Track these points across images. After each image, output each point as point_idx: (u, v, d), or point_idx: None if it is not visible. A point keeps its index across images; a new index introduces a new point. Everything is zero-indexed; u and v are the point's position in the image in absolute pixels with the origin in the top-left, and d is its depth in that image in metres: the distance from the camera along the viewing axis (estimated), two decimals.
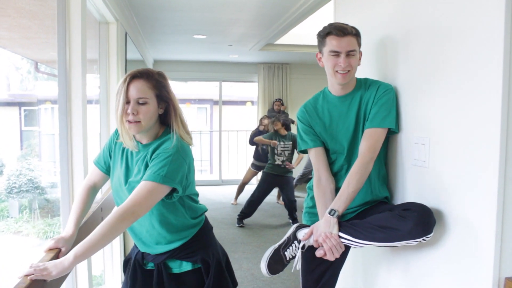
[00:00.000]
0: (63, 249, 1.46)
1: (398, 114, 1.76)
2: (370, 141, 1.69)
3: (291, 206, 5.41)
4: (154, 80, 1.50)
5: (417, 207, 1.51)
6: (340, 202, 1.64)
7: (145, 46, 6.16)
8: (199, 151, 8.61)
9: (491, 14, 1.27)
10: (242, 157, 8.43)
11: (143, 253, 1.68)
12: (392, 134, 1.79)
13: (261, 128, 6.43)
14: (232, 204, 6.64)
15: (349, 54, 1.69)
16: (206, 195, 7.32)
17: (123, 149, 1.60)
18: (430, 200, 1.56)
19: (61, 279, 1.43)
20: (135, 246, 1.74)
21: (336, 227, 1.62)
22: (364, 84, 1.80)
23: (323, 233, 1.62)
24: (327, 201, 1.75)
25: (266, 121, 6.41)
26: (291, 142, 5.38)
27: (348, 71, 1.70)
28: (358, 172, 1.65)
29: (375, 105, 1.72)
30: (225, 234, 4.98)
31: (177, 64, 8.10)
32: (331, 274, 1.86)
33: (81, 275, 2.28)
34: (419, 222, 1.46)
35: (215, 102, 11.33)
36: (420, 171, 1.62)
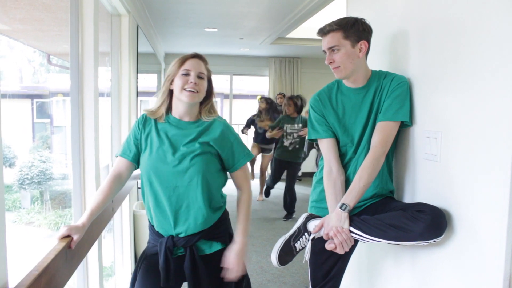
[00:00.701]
0: (75, 238, 1.49)
1: (411, 107, 1.74)
2: (382, 135, 1.68)
3: (290, 195, 5.41)
4: (207, 66, 1.76)
5: (431, 209, 1.50)
6: (351, 197, 1.64)
7: (157, 39, 6.17)
8: None
9: None
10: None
11: (173, 239, 1.68)
12: (404, 127, 1.77)
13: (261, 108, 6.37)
14: (258, 200, 6.35)
15: (332, 51, 1.70)
16: None
17: (157, 130, 1.71)
18: (440, 194, 1.55)
19: (84, 250, 1.65)
20: (157, 236, 1.72)
21: (347, 222, 1.62)
22: (379, 76, 1.78)
23: (334, 227, 1.62)
24: (337, 193, 1.74)
25: (263, 105, 6.33)
26: (300, 125, 5.31)
27: (338, 66, 1.70)
28: (370, 166, 1.64)
29: (389, 97, 1.71)
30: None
31: None
32: (339, 267, 1.86)
33: (92, 266, 2.30)
34: (431, 225, 1.46)
35: (226, 96, 11.30)
36: (431, 165, 1.61)
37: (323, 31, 1.73)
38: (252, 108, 8.09)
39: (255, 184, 6.53)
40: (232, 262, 1.68)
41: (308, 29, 6.02)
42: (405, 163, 1.81)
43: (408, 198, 1.80)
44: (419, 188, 1.71)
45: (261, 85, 9.27)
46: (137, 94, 3.94)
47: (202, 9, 4.45)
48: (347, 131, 1.79)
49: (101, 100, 2.41)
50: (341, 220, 1.62)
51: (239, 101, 10.64)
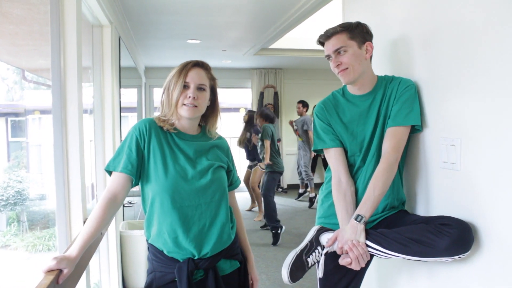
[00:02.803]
0: (65, 271, 1.31)
1: (422, 112, 1.66)
2: (393, 141, 1.60)
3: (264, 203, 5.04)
4: (210, 73, 1.61)
5: (457, 223, 1.40)
6: (367, 207, 1.53)
7: (137, 52, 6.02)
8: None
9: None
10: (236, 163, 8.30)
11: (194, 262, 1.50)
12: (414, 133, 1.68)
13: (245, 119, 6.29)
14: (256, 220, 5.95)
15: (338, 53, 1.63)
16: None
17: (167, 142, 1.53)
18: (461, 205, 1.46)
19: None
20: (170, 262, 1.51)
21: (363, 235, 1.52)
22: (385, 81, 1.70)
23: (349, 241, 1.51)
24: (348, 205, 1.64)
25: (246, 117, 6.29)
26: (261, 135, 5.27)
27: (346, 68, 1.62)
28: (384, 174, 1.55)
29: (397, 102, 1.63)
30: None
31: (169, 71, 7.66)
32: (354, 287, 1.74)
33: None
34: (458, 240, 1.36)
35: None
36: (449, 174, 1.51)
37: (326, 35, 1.65)
38: (235, 121, 8.00)
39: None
40: (257, 277, 1.72)
41: (292, 39, 5.98)
42: (416, 172, 1.72)
43: (421, 210, 1.70)
44: (435, 199, 1.61)
45: (244, 97, 9.18)
46: (120, 109, 3.78)
47: (185, 20, 4.34)
48: (355, 139, 1.70)
49: (84, 117, 2.27)
50: (356, 233, 1.52)
51: (222, 114, 10.52)
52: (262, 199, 5.12)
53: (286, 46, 6.21)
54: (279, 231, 4.85)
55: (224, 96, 11.25)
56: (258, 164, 5.80)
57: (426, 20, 1.64)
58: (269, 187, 5.06)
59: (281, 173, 5.23)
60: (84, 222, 2.15)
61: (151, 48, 5.92)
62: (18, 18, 3.13)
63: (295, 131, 7.19)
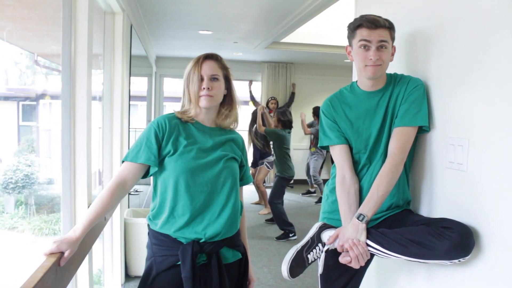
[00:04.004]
0: (66, 254, 1.33)
1: (429, 111, 1.64)
2: (400, 141, 1.59)
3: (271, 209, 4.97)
4: (222, 63, 1.69)
5: (458, 227, 1.39)
6: (369, 207, 1.53)
7: (149, 41, 6.03)
8: None
9: None
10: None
11: (199, 244, 1.52)
12: (421, 133, 1.66)
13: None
14: (260, 214, 5.95)
15: (380, 46, 1.58)
16: None
17: (186, 132, 1.60)
18: (465, 207, 1.44)
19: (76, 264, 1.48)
20: (174, 244, 1.53)
21: (364, 234, 1.51)
22: (394, 79, 1.69)
23: (350, 239, 1.51)
24: (352, 202, 1.65)
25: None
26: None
27: (379, 65, 1.59)
28: (389, 174, 1.54)
29: (405, 101, 1.61)
30: None
31: (180, 61, 7.89)
32: (353, 285, 1.74)
33: (81, 282, 2.15)
34: (458, 244, 1.35)
35: None
36: (455, 174, 1.50)
37: (376, 23, 1.58)
38: (245, 113, 7.98)
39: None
40: (253, 278, 1.76)
41: (304, 34, 5.94)
42: (422, 171, 1.71)
43: (425, 209, 1.69)
44: (439, 199, 1.60)
45: (254, 90, 9.14)
46: (130, 97, 3.80)
47: (197, 10, 4.33)
48: (360, 136, 1.69)
49: (92, 104, 2.29)
50: (358, 231, 1.51)
51: None
52: (271, 209, 4.97)
53: (298, 40, 6.17)
54: (290, 235, 4.78)
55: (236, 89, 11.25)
56: (266, 163, 5.91)
57: (435, 16, 1.62)
58: (275, 193, 4.91)
59: (290, 179, 5.03)
60: (89, 207, 2.18)
61: (163, 37, 5.92)
62: (32, 3, 3.15)
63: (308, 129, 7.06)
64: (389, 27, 1.61)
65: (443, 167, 1.56)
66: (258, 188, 6.17)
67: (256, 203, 6.54)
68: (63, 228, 2.20)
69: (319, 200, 6.66)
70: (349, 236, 1.52)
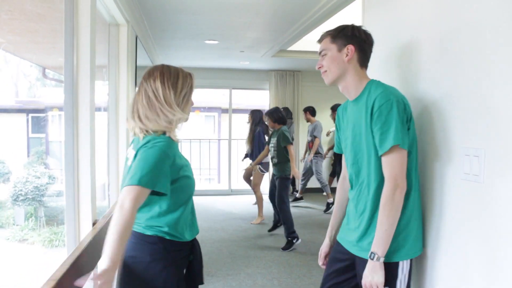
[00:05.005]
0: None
1: (441, 118, 1.57)
2: (387, 170, 1.52)
3: (279, 212, 4.88)
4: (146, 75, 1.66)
5: None
6: (378, 244, 1.52)
7: (155, 51, 6.03)
8: (207, 160, 8.42)
9: None
10: (234, 163, 8.39)
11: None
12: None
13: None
14: (252, 224, 5.87)
15: (322, 55, 1.68)
16: (216, 205, 7.13)
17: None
18: (482, 220, 1.36)
19: None
20: (182, 246, 1.63)
21: (380, 274, 1.51)
22: (369, 89, 1.62)
23: (367, 283, 1.52)
24: (343, 201, 1.86)
25: (250, 118, 6.25)
26: (275, 139, 4.97)
27: (325, 71, 1.67)
28: (385, 207, 1.52)
29: (375, 124, 1.53)
30: (236, 247, 4.77)
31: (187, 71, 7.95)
32: None
33: None
34: None
35: (223, 110, 11.12)
36: (471, 186, 1.42)
37: (320, 38, 1.71)
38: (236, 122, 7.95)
39: (241, 201, 6.32)
40: None
41: (310, 41, 5.89)
42: (431, 184, 1.63)
43: (434, 224, 1.60)
44: (451, 213, 1.51)
45: (261, 99, 9.12)
46: None
47: (203, 20, 4.30)
48: (345, 144, 1.74)
49: (97, 115, 2.25)
50: (374, 271, 1.52)
51: (237, 116, 10.49)
52: (280, 212, 4.87)
53: (305, 48, 6.13)
54: (294, 241, 4.70)
55: (241, 98, 11.21)
56: (259, 167, 5.78)
57: (445, 21, 1.56)
58: (282, 196, 4.82)
59: (292, 178, 4.99)
60: (94, 223, 2.13)
61: (169, 48, 5.92)
62: (38, 16, 3.14)
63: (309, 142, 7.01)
64: (331, 33, 1.66)
65: (458, 178, 1.48)
66: (255, 192, 6.08)
67: (258, 223, 6.21)
68: (67, 243, 2.15)
69: (328, 208, 6.55)
70: (367, 280, 1.53)
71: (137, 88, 1.64)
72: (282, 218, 4.82)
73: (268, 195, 5.31)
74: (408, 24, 1.83)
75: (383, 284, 1.49)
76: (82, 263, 1.65)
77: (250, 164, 6.05)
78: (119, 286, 1.54)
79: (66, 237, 2.18)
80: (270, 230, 5.41)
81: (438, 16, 1.62)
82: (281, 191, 4.84)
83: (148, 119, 1.53)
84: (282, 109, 5.38)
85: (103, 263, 1.30)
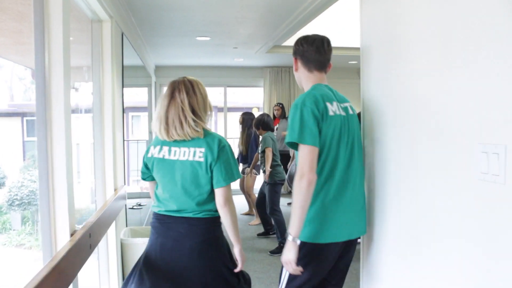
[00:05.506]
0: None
1: (450, 113, 1.41)
2: (298, 161, 1.77)
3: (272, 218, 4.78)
4: None
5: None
6: (290, 224, 1.75)
7: (145, 50, 5.84)
8: None
9: None
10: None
11: None
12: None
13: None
14: (250, 225, 5.74)
15: None
16: None
17: None
18: (502, 223, 1.20)
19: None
20: None
21: (293, 252, 1.74)
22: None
23: (282, 259, 1.83)
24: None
25: (241, 119, 5.98)
26: (261, 145, 4.82)
27: None
28: (293, 192, 1.77)
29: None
30: None
31: (180, 69, 7.75)
32: None
33: None
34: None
35: (219, 109, 10.94)
36: (490, 188, 1.25)
37: None
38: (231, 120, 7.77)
39: (238, 200, 6.17)
40: None
41: None
42: (439, 185, 1.47)
43: (442, 228, 1.44)
44: (464, 217, 1.35)
45: (256, 96, 8.95)
46: (123, 109, 3.59)
47: (193, 16, 4.13)
48: None
49: (82, 117, 2.10)
50: (289, 249, 1.76)
51: (233, 114, 10.30)
52: (272, 218, 4.73)
53: None
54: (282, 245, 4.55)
55: (236, 96, 11.04)
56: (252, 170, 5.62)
57: (446, 11, 1.39)
58: (274, 202, 4.68)
59: (282, 183, 4.77)
60: (72, 234, 1.96)
61: (160, 46, 5.74)
62: (20, 15, 2.96)
63: None
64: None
65: (474, 179, 1.32)
66: (249, 196, 5.89)
67: (246, 214, 6.24)
68: (43, 255, 1.97)
69: None
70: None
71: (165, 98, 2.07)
72: (275, 223, 4.67)
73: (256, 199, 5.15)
74: (406, 16, 1.67)
75: (294, 261, 1.73)
76: (56, 278, 1.48)
77: (243, 173, 5.73)
78: (207, 254, 2.05)
79: (42, 248, 2.01)
80: (260, 235, 5.22)
81: (438, 8, 1.45)
82: (272, 197, 4.68)
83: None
84: (267, 115, 5.13)
85: (236, 247, 2.12)
